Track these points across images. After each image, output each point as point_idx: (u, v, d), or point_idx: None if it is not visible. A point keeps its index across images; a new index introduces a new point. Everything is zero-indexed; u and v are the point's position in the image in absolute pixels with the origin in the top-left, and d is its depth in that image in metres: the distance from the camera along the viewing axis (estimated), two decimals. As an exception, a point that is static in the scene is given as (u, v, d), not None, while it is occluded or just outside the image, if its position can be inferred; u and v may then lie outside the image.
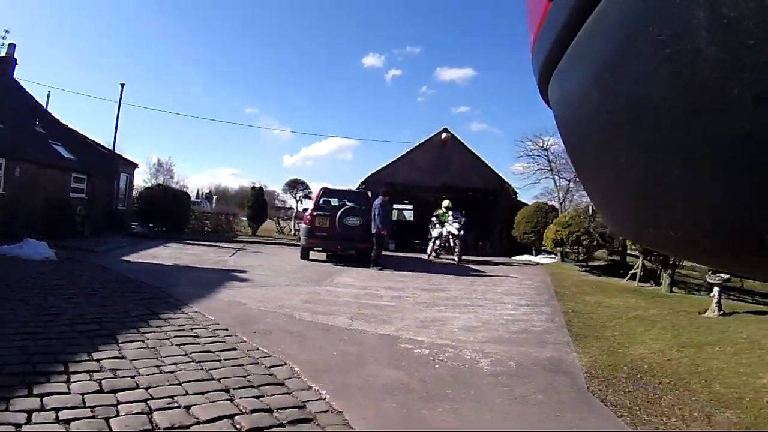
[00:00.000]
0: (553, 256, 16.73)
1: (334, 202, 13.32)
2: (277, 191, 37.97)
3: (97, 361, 3.64)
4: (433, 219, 16.03)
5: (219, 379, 3.48)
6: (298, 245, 14.98)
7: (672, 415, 3.37)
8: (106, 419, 2.75)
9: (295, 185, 27.17)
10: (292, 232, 24.03)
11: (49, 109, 23.47)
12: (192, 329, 4.86)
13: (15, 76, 22.41)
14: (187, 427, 2.75)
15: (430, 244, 15.86)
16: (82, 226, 17.20)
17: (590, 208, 12.77)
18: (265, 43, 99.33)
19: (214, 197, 35.78)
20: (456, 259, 14.65)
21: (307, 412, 3.07)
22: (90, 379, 3.28)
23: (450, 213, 15.41)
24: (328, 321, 5.73)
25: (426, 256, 15.89)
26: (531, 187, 38.87)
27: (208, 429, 2.76)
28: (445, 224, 15.33)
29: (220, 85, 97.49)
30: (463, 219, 15.27)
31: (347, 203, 12.99)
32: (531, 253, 17.80)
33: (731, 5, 0.41)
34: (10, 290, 6.12)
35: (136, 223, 22.28)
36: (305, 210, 17.52)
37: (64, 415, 2.79)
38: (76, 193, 19.47)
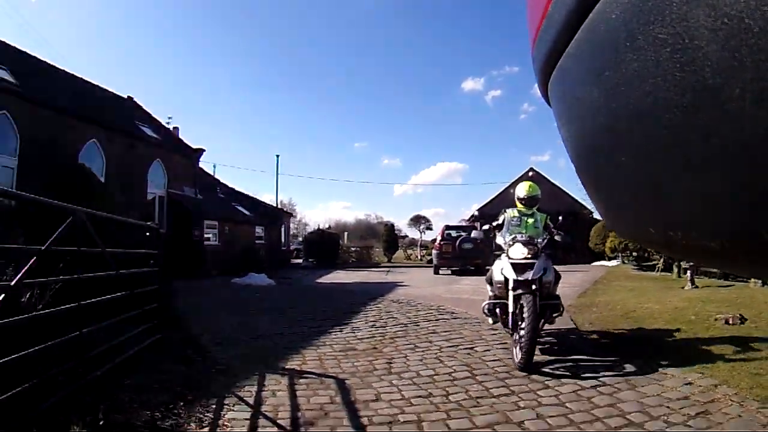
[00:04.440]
0: (618, 260, 21.35)
1: (453, 233, 19.35)
2: (391, 220, 44.08)
3: (359, 312, 9.57)
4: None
5: (418, 312, 9.24)
6: (426, 266, 21.42)
7: (589, 312, 8.68)
8: (372, 329, 8.73)
9: (418, 220, 34.19)
10: (419, 257, 30.45)
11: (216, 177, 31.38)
12: (395, 302, 10.72)
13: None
14: (416, 321, 8.55)
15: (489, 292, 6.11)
16: (263, 263, 24.11)
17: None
18: (370, 81, 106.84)
19: (346, 234, 42.71)
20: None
21: (454, 314, 8.74)
22: (361, 318, 8.91)
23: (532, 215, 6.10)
24: (458, 296, 11.42)
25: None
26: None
27: (423, 318, 8.51)
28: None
29: (330, 123, 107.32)
30: (558, 234, 6.01)
31: (462, 233, 19.08)
32: (605, 259, 22.45)
33: (732, 4, 0.41)
34: (286, 298, 12.49)
35: (298, 259, 29.38)
36: (433, 240, 23.98)
37: (354, 330, 7.22)
38: (258, 240, 26.67)
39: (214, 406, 3.96)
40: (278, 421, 3.70)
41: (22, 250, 3.90)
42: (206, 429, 3.57)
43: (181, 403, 3.96)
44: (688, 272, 11.88)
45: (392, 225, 31.38)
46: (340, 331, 7.16)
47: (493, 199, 26.82)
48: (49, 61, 17.92)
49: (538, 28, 0.78)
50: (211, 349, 6.14)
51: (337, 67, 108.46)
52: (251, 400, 4.15)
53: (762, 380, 4.27)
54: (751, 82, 0.41)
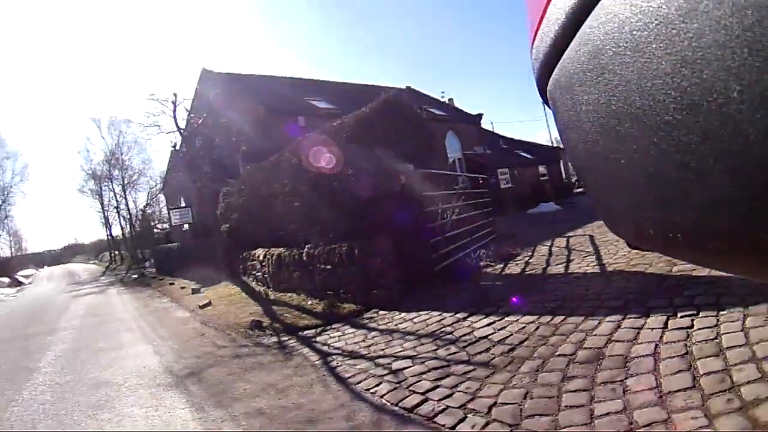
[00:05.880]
0: None
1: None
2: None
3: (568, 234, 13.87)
4: None
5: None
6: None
7: None
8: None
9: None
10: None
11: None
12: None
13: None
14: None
15: None
16: (549, 195, 28.40)
17: None
18: None
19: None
20: None
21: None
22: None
23: None
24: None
25: None
26: None
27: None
28: None
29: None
30: None
31: None
32: None
33: (733, 3, 0.41)
34: (570, 214, 17.25)
35: (579, 188, 33.05)
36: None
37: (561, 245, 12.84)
38: (542, 177, 31.11)
39: (533, 246, 9.34)
40: (560, 246, 8.89)
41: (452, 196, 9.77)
42: (530, 252, 8.91)
43: (518, 248, 9.42)
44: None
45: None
46: (602, 220, 11.86)
47: None
48: (337, 80, 25.62)
49: (536, 29, 0.78)
50: (524, 238, 11.47)
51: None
52: (548, 244, 9.42)
53: None
54: (751, 84, 0.40)
